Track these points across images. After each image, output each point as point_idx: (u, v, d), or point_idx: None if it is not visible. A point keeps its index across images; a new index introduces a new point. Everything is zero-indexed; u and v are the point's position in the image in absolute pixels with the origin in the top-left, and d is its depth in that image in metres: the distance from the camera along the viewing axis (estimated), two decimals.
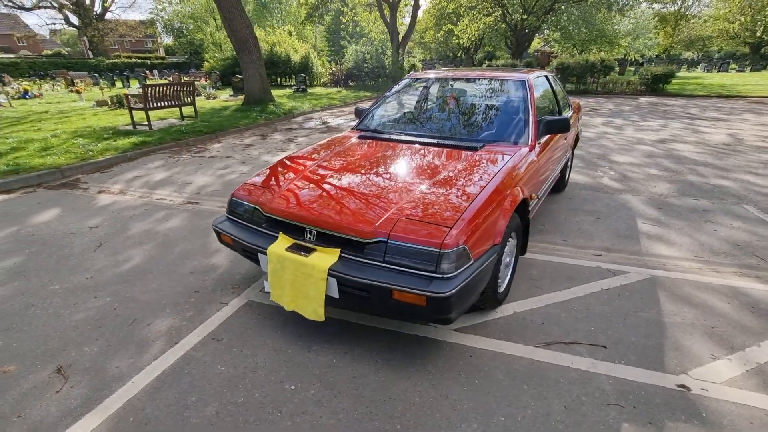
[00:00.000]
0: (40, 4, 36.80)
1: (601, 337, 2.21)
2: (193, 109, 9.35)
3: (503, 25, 22.76)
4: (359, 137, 3.14)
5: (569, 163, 4.43)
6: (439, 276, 1.77)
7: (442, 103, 3.40)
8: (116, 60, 35.24)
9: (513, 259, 2.57)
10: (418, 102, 3.57)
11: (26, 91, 15.65)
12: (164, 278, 2.86)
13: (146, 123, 7.95)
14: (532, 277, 2.83)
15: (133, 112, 8.13)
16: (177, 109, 9.13)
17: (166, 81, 14.58)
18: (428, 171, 2.42)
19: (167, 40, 49.74)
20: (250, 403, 1.81)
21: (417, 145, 2.83)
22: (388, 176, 2.39)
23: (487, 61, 18.12)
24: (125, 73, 28.41)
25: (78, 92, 14.34)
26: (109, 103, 11.98)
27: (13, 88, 16.87)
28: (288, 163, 2.77)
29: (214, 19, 31.52)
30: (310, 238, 2.08)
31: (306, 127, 9.15)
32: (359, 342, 2.20)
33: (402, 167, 2.51)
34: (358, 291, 1.89)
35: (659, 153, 6.34)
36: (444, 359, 2.07)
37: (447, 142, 2.81)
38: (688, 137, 7.56)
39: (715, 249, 3.22)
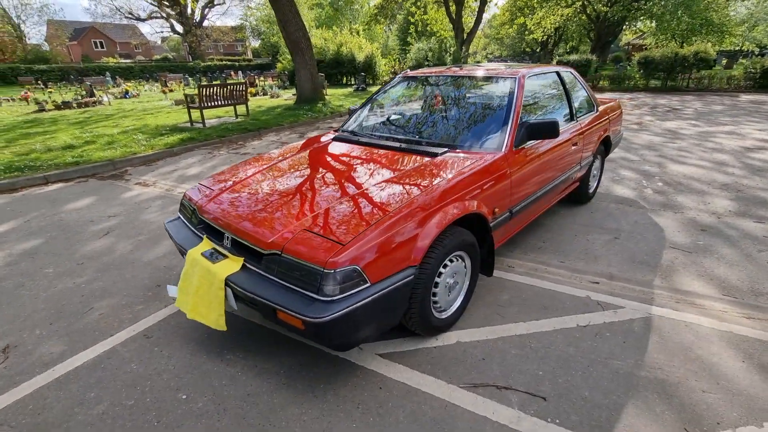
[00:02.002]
0: (152, 15, 42.12)
1: (546, 386, 1.84)
2: (246, 108, 9.92)
3: (584, 17, 20.83)
4: (333, 139, 3.02)
5: (594, 173, 3.84)
6: (321, 298, 1.59)
7: (422, 103, 3.13)
8: (210, 63, 38.96)
9: (467, 281, 2.27)
10: (401, 102, 3.34)
11: (127, 92, 17.93)
12: (139, 270, 3.01)
13: (201, 121, 8.62)
14: (500, 303, 2.47)
15: (192, 110, 8.85)
16: (235, 107, 9.75)
17: (218, 81, 15.72)
18: (369, 178, 2.21)
19: (255, 43, 53.98)
20: (137, 408, 1.79)
21: (380, 150, 2.62)
22: (325, 183, 2.24)
23: (557, 56, 16.62)
24: (215, 74, 31.28)
25: (164, 92, 16.05)
26: (185, 102, 13.22)
27: (118, 88, 19.51)
28: (243, 165, 2.74)
29: None
30: (226, 244, 2.01)
31: None
32: (277, 356, 2.09)
33: (346, 174, 2.34)
34: (250, 305, 1.78)
35: (735, 163, 5.27)
36: (350, 388, 1.87)
37: (411, 146, 2.57)
38: None
39: (757, 288, 2.55)
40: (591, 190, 3.93)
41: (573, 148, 3.10)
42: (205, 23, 44.38)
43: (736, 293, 2.51)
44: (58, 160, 5.97)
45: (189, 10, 40.76)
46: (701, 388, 1.80)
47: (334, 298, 1.58)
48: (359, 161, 2.49)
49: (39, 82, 24.10)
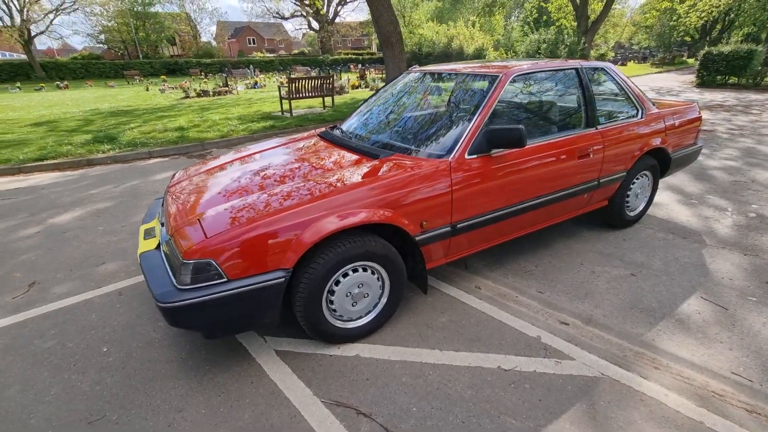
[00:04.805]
0: (294, 14, 47.16)
1: (409, 425, 1.64)
2: (331, 100, 10.51)
3: None
4: (318, 135, 3.08)
5: (637, 192, 3.12)
6: (177, 286, 1.68)
7: (406, 102, 2.95)
8: (337, 56, 42.08)
9: (385, 294, 2.13)
10: (389, 100, 3.18)
11: (256, 83, 20.51)
12: None
13: (290, 110, 9.45)
14: (431, 324, 2.25)
15: (283, 101, 9.75)
16: (323, 99, 10.46)
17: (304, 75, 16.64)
18: (294, 178, 2.20)
19: None
20: (70, 350, 2.14)
21: (337, 149, 2.58)
22: (257, 179, 2.28)
23: (714, 45, 13.29)
24: (338, 67, 33.64)
25: (282, 83, 17.90)
26: (279, 93, 14.56)
27: (253, 78, 22.39)
28: (222, 156, 2.96)
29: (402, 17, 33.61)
30: (162, 224, 2.25)
31: None
32: (195, 332, 2.26)
33: (283, 172, 2.33)
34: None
35: None
36: (228, 376, 1.94)
37: (362, 147, 2.47)
38: None
39: None
40: (633, 213, 3.22)
41: (580, 161, 2.59)
42: (338, 20, 47.92)
43: (755, 374, 1.84)
44: (166, 139, 7.21)
45: (324, 9, 44.39)
46: None
47: (186, 287, 1.66)
48: (307, 160, 2.48)
49: (202, 73, 29.16)
